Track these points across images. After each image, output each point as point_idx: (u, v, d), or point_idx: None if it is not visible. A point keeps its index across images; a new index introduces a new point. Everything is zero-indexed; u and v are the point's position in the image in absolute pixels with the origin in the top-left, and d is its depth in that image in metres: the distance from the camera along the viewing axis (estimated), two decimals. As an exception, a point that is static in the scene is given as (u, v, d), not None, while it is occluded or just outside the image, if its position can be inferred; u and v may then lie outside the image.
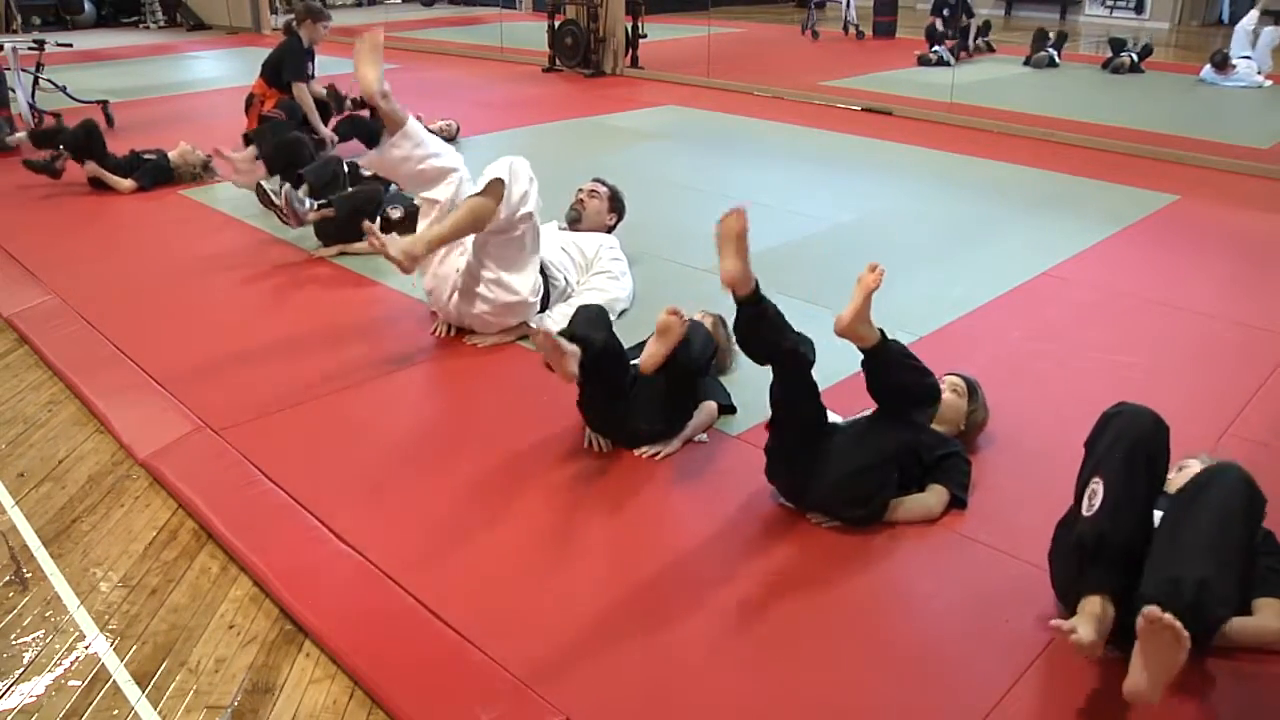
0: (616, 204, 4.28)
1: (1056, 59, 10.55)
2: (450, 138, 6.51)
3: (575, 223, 4.18)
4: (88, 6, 14.20)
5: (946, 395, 2.78)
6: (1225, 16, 14.37)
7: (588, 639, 2.13)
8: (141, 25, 14.49)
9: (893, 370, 2.40)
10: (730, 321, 3.22)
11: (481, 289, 3.45)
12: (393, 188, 4.82)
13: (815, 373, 2.44)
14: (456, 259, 3.51)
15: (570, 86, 9.33)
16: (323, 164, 4.83)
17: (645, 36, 9.97)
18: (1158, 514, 2.04)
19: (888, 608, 2.25)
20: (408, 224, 4.38)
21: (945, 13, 10.98)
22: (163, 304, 3.98)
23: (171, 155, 5.73)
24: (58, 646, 2.17)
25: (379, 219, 4.61)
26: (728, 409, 3.01)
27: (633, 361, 2.87)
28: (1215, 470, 2.03)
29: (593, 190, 4.24)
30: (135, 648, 2.16)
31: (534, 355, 3.44)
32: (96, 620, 2.25)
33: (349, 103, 6.43)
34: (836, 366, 3.17)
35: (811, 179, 5.87)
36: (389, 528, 2.51)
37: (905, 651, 2.10)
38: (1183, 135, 7.09)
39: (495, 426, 3.01)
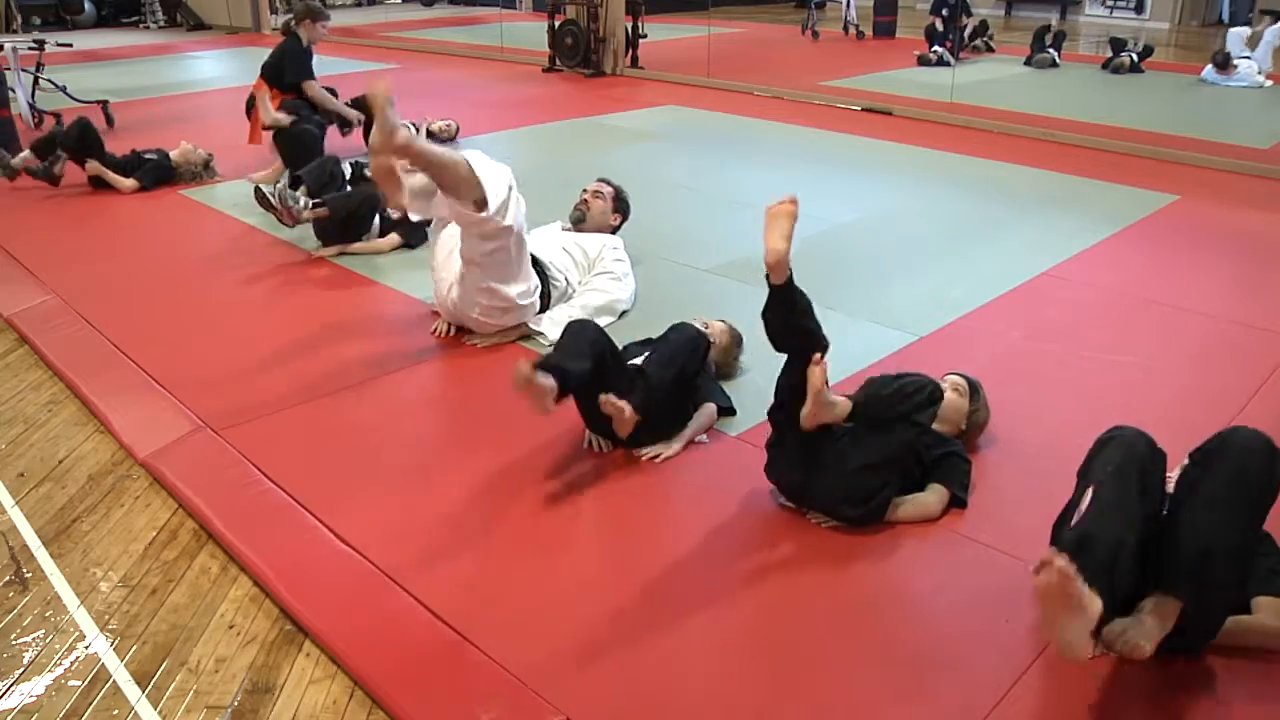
0: (621, 205, 4.28)
1: (1057, 59, 10.55)
2: (450, 138, 6.51)
3: (579, 223, 4.18)
4: (88, 6, 14.21)
5: (948, 395, 2.77)
6: (1225, 16, 14.37)
7: (588, 639, 2.13)
8: (141, 25, 14.51)
9: (797, 313, 2.41)
10: (737, 330, 3.26)
11: (475, 295, 3.45)
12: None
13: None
14: (456, 258, 3.50)
15: (570, 86, 9.33)
16: (320, 165, 4.83)
17: (645, 36, 9.98)
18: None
19: (888, 607, 2.25)
20: (408, 224, 4.38)
21: (944, 12, 10.98)
22: (163, 304, 3.98)
23: (173, 155, 5.74)
24: (58, 646, 2.17)
25: (378, 219, 4.62)
26: (727, 411, 3.00)
27: (631, 362, 2.87)
28: (1233, 435, 2.01)
29: (597, 191, 4.24)
30: (135, 648, 2.16)
31: (534, 355, 3.45)
32: (96, 620, 2.25)
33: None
34: (844, 365, 3.18)
35: (811, 179, 5.88)
36: (389, 528, 2.51)
37: (905, 651, 2.10)
38: (1183, 135, 7.09)
39: (495, 427, 3.01)
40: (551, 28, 10.04)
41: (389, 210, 4.49)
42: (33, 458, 2.95)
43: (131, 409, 3.15)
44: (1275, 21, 9.73)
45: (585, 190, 4.27)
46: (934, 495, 2.55)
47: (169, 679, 2.07)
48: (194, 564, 2.45)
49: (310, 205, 4.41)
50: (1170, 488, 2.11)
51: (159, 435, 2.98)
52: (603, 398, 2.59)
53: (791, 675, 2.03)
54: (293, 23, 6.15)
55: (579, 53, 9.81)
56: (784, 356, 2.46)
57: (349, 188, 4.81)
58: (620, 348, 2.94)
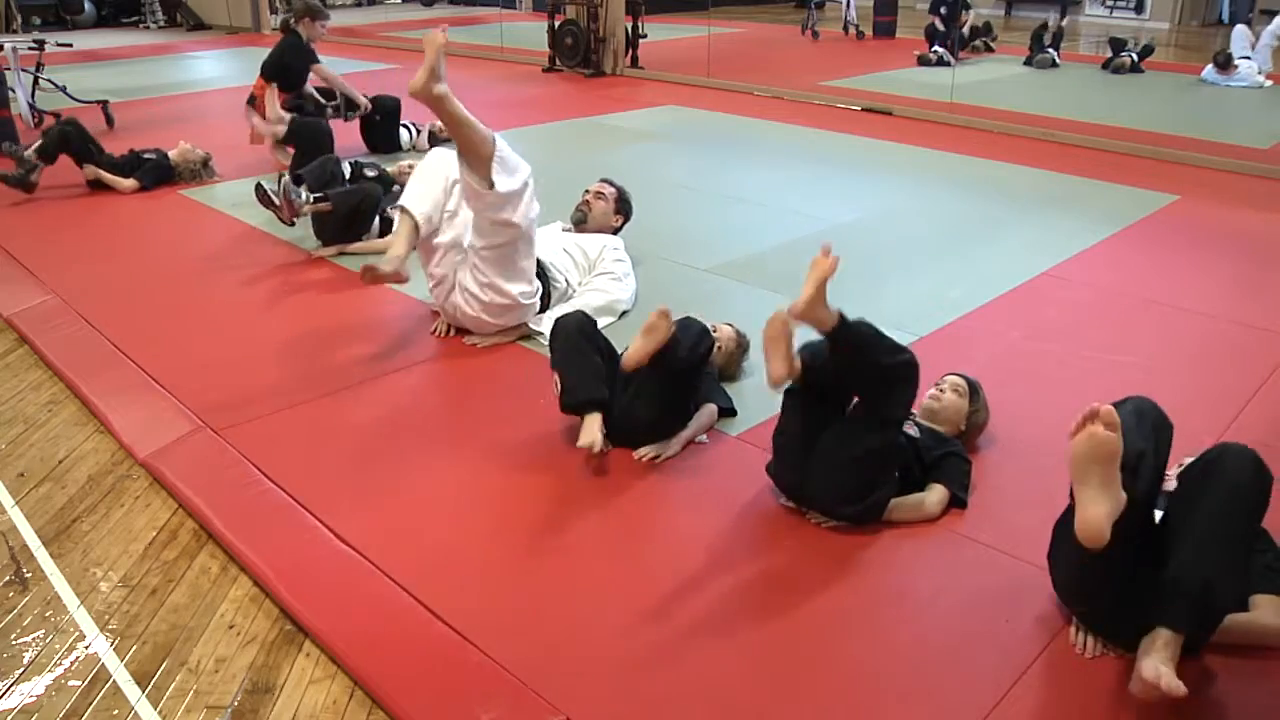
0: (623, 205, 4.28)
1: (1057, 59, 10.54)
2: (449, 138, 6.50)
3: (581, 224, 4.18)
4: (88, 6, 14.21)
5: (948, 395, 2.78)
6: (1225, 16, 14.37)
7: (588, 639, 2.13)
8: (141, 25, 14.51)
9: (866, 349, 2.34)
10: (741, 330, 3.25)
11: (476, 291, 3.45)
12: (394, 188, 4.82)
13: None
14: (454, 258, 3.50)
15: (570, 86, 9.33)
16: (320, 165, 4.83)
17: (645, 36, 9.98)
18: (1158, 514, 2.04)
19: (888, 607, 2.25)
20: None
21: (943, 11, 10.98)
22: (163, 304, 3.98)
23: (172, 154, 5.74)
24: (58, 646, 2.17)
25: (378, 218, 4.62)
26: (728, 411, 3.00)
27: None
28: (1222, 452, 2.01)
29: (599, 191, 4.24)
30: (135, 648, 2.16)
31: (534, 355, 3.46)
32: (96, 620, 2.25)
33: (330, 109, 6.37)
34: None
35: (811, 179, 5.87)
36: (389, 528, 2.51)
37: (905, 652, 2.10)
38: (1183, 135, 7.09)
39: (495, 427, 3.01)
40: (551, 28, 10.04)
41: (389, 210, 4.49)
42: (33, 458, 2.95)
43: (131, 409, 3.15)
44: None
45: (587, 191, 4.27)
46: (934, 495, 2.55)
47: (169, 679, 2.07)
48: (194, 564, 2.45)
49: (311, 199, 4.41)
50: (1170, 485, 2.12)
51: (159, 435, 2.98)
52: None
53: (791, 675, 2.03)
54: (292, 20, 6.14)
55: (579, 53, 9.81)
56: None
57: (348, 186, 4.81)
58: (620, 350, 2.94)
